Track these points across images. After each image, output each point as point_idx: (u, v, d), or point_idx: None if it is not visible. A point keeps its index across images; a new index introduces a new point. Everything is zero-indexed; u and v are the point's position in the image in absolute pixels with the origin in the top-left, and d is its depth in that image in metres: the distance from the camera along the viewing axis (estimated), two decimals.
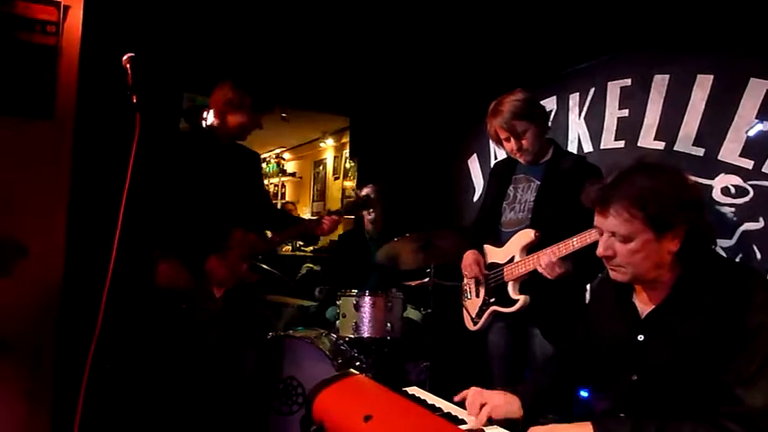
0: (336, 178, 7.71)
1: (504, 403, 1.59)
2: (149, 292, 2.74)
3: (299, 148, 8.68)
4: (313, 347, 3.01)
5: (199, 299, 2.72)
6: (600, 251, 1.51)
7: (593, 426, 1.38)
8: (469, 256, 2.67)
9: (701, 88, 2.87)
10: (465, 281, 2.79)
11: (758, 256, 2.62)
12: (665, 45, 3.08)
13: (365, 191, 3.86)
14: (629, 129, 3.24)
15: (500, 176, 2.71)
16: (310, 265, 5.71)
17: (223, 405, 2.83)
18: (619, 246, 1.46)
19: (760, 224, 2.62)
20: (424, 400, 1.61)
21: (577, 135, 3.58)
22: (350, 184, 7.07)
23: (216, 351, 2.78)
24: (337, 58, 4.43)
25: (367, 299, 3.21)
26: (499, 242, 2.60)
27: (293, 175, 9.00)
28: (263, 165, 8.75)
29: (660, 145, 3.05)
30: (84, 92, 2.95)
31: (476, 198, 4.37)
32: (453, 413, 1.53)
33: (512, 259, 2.50)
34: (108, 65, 2.73)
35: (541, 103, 2.82)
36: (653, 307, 1.52)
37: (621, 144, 3.29)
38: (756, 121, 2.63)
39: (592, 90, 3.49)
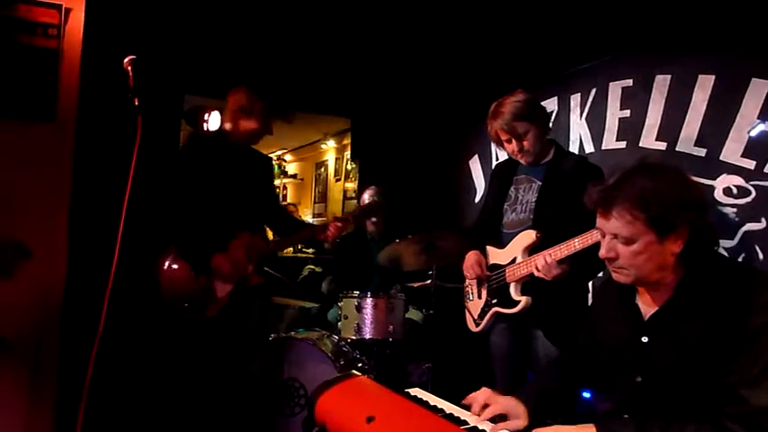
0: (338, 180, 7.71)
1: (513, 415, 1.56)
2: (151, 291, 2.75)
3: (300, 150, 8.67)
4: (315, 349, 3.01)
5: (201, 298, 2.72)
6: (602, 253, 1.50)
7: (597, 427, 1.37)
8: (471, 258, 2.67)
9: (703, 89, 2.87)
10: (467, 282, 2.78)
11: (760, 256, 2.62)
12: (667, 45, 3.08)
13: (367, 192, 3.86)
14: (630, 129, 3.24)
15: (501, 177, 2.71)
16: (312, 267, 5.71)
17: (225, 406, 2.83)
18: (621, 247, 1.45)
19: (762, 224, 2.62)
20: (426, 402, 1.61)
21: (579, 136, 3.57)
22: (351, 185, 7.07)
23: (218, 352, 2.79)
24: (338, 60, 4.43)
25: (369, 300, 3.21)
26: (501, 243, 2.60)
27: (294, 176, 9.00)
28: None
29: (662, 145, 3.05)
30: (85, 94, 2.96)
31: (477, 199, 4.37)
32: (456, 414, 1.53)
33: (514, 260, 2.50)
34: (109, 67, 2.74)
35: (543, 103, 2.82)
36: (656, 308, 1.51)
37: (623, 145, 3.29)
38: (758, 121, 2.63)
39: (593, 90, 3.49)
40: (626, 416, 1.51)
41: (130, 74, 2.13)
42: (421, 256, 3.19)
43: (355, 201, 5.77)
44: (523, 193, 2.57)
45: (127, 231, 2.07)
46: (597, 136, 3.45)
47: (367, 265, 3.75)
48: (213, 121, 5.01)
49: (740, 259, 2.65)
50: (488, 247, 2.68)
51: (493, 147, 4.19)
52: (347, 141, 6.78)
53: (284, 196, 9.16)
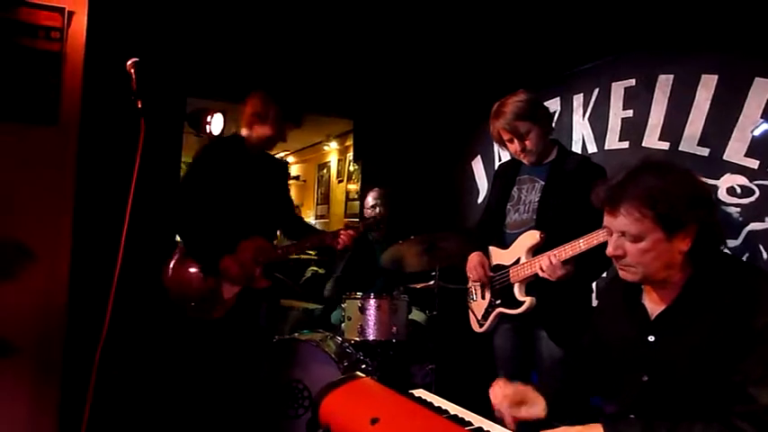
0: (340, 181, 7.72)
1: (527, 401, 1.58)
2: (156, 292, 2.77)
3: (302, 152, 8.69)
4: (319, 350, 3.01)
5: (208, 298, 2.74)
6: (610, 251, 1.50)
7: (604, 427, 1.37)
8: (474, 259, 2.66)
9: (706, 88, 2.86)
10: (470, 283, 2.78)
11: (764, 255, 2.61)
12: (669, 45, 3.08)
13: (371, 195, 3.85)
14: (633, 129, 3.24)
15: (504, 178, 2.70)
16: (315, 269, 5.71)
17: (229, 407, 2.83)
18: (629, 245, 1.45)
19: (766, 224, 2.61)
20: (431, 403, 1.61)
21: (581, 136, 3.57)
22: (354, 187, 7.07)
23: (224, 353, 2.80)
24: (341, 62, 4.43)
25: (372, 302, 3.21)
26: (504, 244, 2.59)
27: (297, 178, 9.01)
28: None
29: (665, 145, 3.05)
30: (88, 97, 2.96)
31: (480, 200, 4.36)
32: (460, 415, 1.52)
33: (517, 261, 2.49)
34: (112, 70, 2.75)
35: (545, 104, 2.82)
36: (663, 307, 1.50)
37: (626, 145, 3.28)
38: (762, 120, 2.62)
39: (596, 91, 3.49)
40: (632, 416, 1.50)
41: (133, 76, 2.14)
42: (423, 257, 3.19)
43: (358, 202, 5.77)
44: (526, 193, 2.56)
45: (130, 233, 2.07)
46: (600, 136, 3.45)
47: (371, 266, 3.75)
48: (216, 123, 5.04)
49: (744, 259, 2.65)
50: (492, 248, 2.67)
51: (495, 147, 4.19)
52: (350, 143, 6.79)
53: None
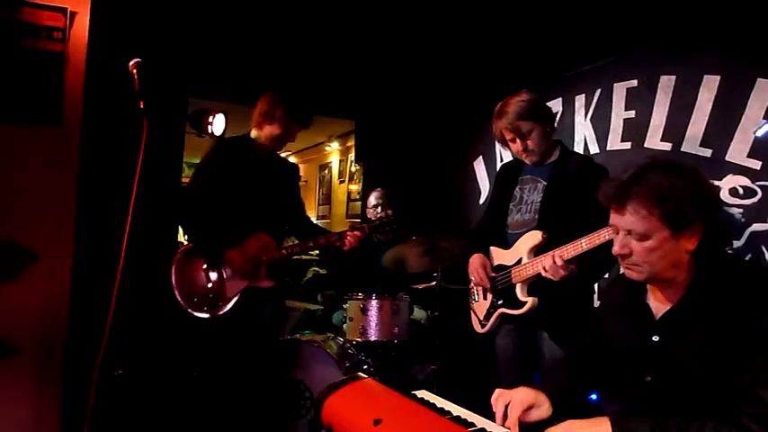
0: (342, 182, 7.72)
1: (536, 404, 1.57)
2: (158, 292, 2.78)
3: (304, 152, 8.69)
4: (320, 351, 3.01)
5: (212, 294, 2.76)
6: (616, 249, 1.49)
7: (611, 423, 1.36)
8: (475, 260, 2.65)
9: (708, 89, 2.86)
10: (472, 283, 2.78)
11: (767, 256, 2.61)
12: (672, 46, 3.07)
13: (373, 195, 3.85)
14: (635, 130, 3.24)
15: (506, 178, 2.70)
16: (316, 269, 5.71)
17: (231, 407, 2.84)
18: (635, 244, 1.44)
19: None
20: (433, 404, 1.60)
21: (583, 137, 3.57)
22: (355, 187, 7.07)
23: (226, 352, 2.80)
24: (342, 62, 4.44)
25: (374, 302, 3.21)
26: (506, 244, 2.59)
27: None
28: None
29: (667, 146, 3.05)
30: (90, 98, 2.96)
31: (482, 200, 4.36)
32: (463, 416, 1.52)
33: (519, 261, 2.49)
34: (114, 71, 2.75)
35: (547, 104, 2.81)
36: (668, 307, 1.50)
37: (628, 145, 3.28)
38: (764, 121, 2.62)
39: (598, 91, 3.49)
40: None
41: (136, 77, 2.14)
42: (425, 257, 3.19)
43: (359, 203, 5.77)
44: (528, 193, 2.56)
45: (132, 234, 2.07)
46: (602, 137, 3.45)
47: (372, 266, 3.75)
48: (217, 124, 5.04)
49: (747, 259, 2.64)
50: (493, 248, 2.67)
51: (497, 148, 4.19)
52: (351, 143, 6.79)
53: None
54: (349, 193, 7.38)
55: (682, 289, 1.47)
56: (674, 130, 3.01)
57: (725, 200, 2.73)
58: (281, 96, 2.85)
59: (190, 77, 3.90)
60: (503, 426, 1.52)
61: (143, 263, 2.92)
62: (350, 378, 1.67)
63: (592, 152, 3.47)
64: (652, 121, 3.13)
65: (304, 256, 5.89)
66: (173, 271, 2.79)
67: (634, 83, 3.27)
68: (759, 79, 2.64)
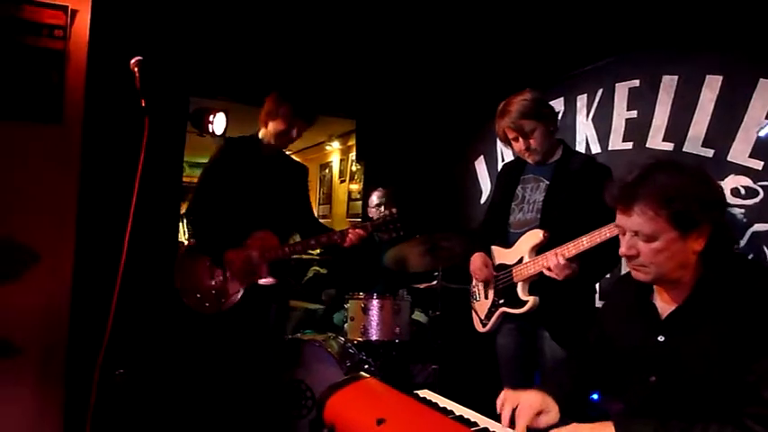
0: (342, 181, 7.71)
1: (546, 410, 1.55)
2: (161, 290, 2.79)
3: (304, 151, 8.68)
4: (321, 350, 3.01)
5: (214, 292, 2.76)
6: (623, 250, 1.48)
7: (615, 426, 1.36)
8: (478, 260, 2.65)
9: (710, 89, 2.86)
10: (473, 282, 2.78)
11: None
12: (674, 45, 3.07)
13: (375, 194, 3.84)
14: (637, 130, 3.23)
15: (508, 177, 2.70)
16: (317, 268, 5.71)
17: (232, 407, 2.83)
18: (642, 245, 1.43)
19: None
20: (436, 404, 1.60)
21: (585, 136, 3.56)
22: (356, 187, 7.07)
23: (228, 351, 2.81)
24: (343, 61, 4.43)
25: (375, 302, 3.21)
26: (507, 243, 2.59)
27: None
28: None
29: (669, 146, 3.04)
30: (91, 96, 2.96)
31: (483, 200, 4.36)
32: (465, 416, 1.52)
33: (521, 260, 2.48)
34: (115, 69, 2.75)
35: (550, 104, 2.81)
36: (674, 307, 1.49)
37: (630, 145, 3.28)
38: (766, 121, 2.62)
39: (600, 91, 3.48)
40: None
41: (137, 75, 2.13)
42: (426, 257, 3.18)
43: (360, 202, 5.77)
44: (531, 192, 2.56)
45: (134, 232, 2.07)
46: (604, 137, 3.44)
47: (374, 266, 3.74)
48: (218, 123, 5.03)
49: None
50: (494, 247, 2.66)
51: (498, 147, 4.19)
52: (352, 143, 6.78)
53: None
54: (350, 193, 7.37)
55: (688, 289, 1.46)
56: (676, 130, 3.01)
57: (726, 200, 2.73)
58: (285, 94, 2.87)
59: (191, 76, 3.89)
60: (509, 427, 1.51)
61: (144, 262, 2.91)
62: (352, 378, 1.66)
63: (593, 152, 3.47)
64: (654, 121, 3.13)
65: (305, 256, 5.88)
66: (176, 267, 2.81)
67: (636, 83, 3.26)
68: (761, 79, 2.64)
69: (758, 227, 2.64)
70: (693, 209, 1.37)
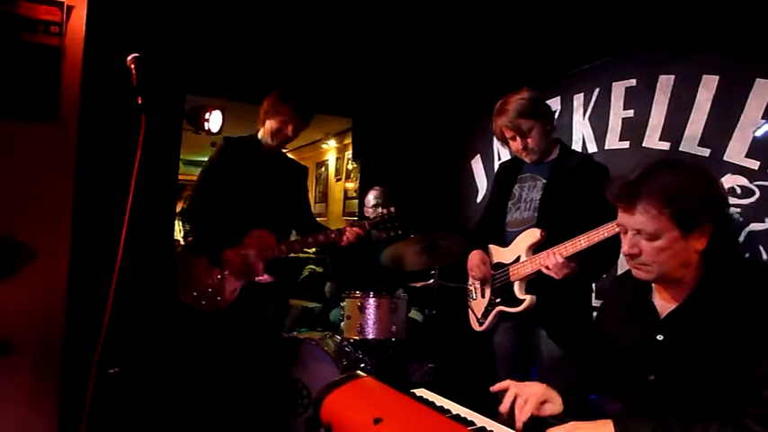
0: (338, 180, 7.70)
1: (549, 399, 1.56)
2: (157, 288, 2.79)
3: (300, 150, 8.67)
4: (318, 349, 3.01)
5: (211, 290, 2.76)
6: (625, 249, 1.48)
7: (614, 424, 1.35)
8: (475, 257, 2.66)
9: (707, 89, 2.86)
10: (470, 281, 2.78)
11: (764, 256, 2.61)
12: (671, 45, 3.08)
13: (372, 194, 3.84)
14: (633, 129, 3.24)
15: (505, 176, 2.70)
16: (313, 267, 5.70)
17: (228, 405, 2.83)
18: (645, 244, 1.43)
19: (766, 224, 2.61)
20: (433, 402, 1.60)
21: (582, 136, 3.57)
22: (352, 185, 7.06)
23: (224, 349, 2.81)
24: (340, 59, 4.42)
25: (371, 301, 3.20)
26: (504, 242, 2.59)
27: None
28: None
29: (665, 145, 3.05)
30: (87, 93, 2.94)
31: (479, 199, 4.36)
32: (463, 415, 1.52)
33: (518, 259, 2.49)
34: (111, 65, 2.74)
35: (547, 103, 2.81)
36: (674, 306, 1.49)
37: (626, 145, 3.28)
38: (763, 121, 2.63)
39: (596, 90, 3.49)
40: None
41: (134, 72, 2.12)
42: (423, 256, 3.18)
43: (356, 201, 5.76)
44: (528, 191, 2.56)
45: (130, 230, 2.06)
46: (600, 136, 3.44)
47: (372, 264, 3.74)
48: (214, 121, 5.01)
49: None
50: (492, 246, 2.67)
51: (495, 146, 4.19)
52: (348, 141, 6.78)
53: None
54: (346, 191, 7.37)
55: (689, 288, 1.46)
56: (673, 129, 3.01)
57: None
58: (285, 93, 2.88)
59: (187, 73, 3.88)
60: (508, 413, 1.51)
61: (140, 259, 2.90)
62: (349, 376, 1.66)
63: (590, 151, 3.47)
64: (650, 120, 3.14)
65: (301, 254, 5.88)
66: (175, 261, 2.82)
67: (633, 82, 3.27)
68: (758, 79, 2.65)
69: (754, 226, 2.65)
70: (696, 208, 1.37)
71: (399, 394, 1.55)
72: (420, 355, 3.44)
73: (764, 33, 2.63)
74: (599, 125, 3.46)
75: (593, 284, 2.73)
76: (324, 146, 8.06)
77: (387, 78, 4.62)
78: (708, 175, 1.44)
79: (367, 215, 3.82)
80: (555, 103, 3.72)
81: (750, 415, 1.28)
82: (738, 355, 1.33)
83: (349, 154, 7.02)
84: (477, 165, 4.41)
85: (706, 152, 2.85)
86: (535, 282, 2.44)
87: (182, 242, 4.65)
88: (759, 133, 2.64)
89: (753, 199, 2.66)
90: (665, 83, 3.07)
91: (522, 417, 1.50)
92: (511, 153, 2.67)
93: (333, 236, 2.88)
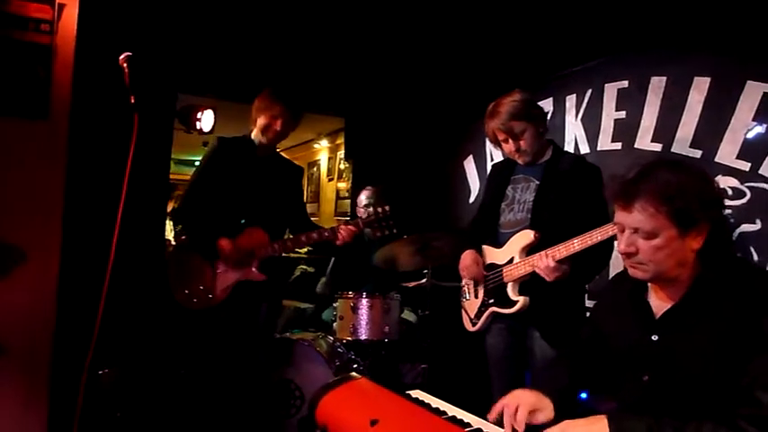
0: (330, 179, 7.70)
1: (541, 407, 1.55)
2: (148, 288, 2.77)
3: (292, 149, 8.65)
4: (311, 350, 3.00)
5: (202, 287, 2.76)
6: (622, 248, 1.48)
7: (608, 421, 1.36)
8: (468, 257, 2.65)
9: (698, 90, 2.88)
10: (464, 281, 2.78)
11: (755, 257, 2.63)
12: (662, 47, 3.09)
13: (364, 194, 3.83)
14: (625, 130, 3.25)
15: (498, 177, 2.70)
16: (304, 267, 5.68)
17: (220, 405, 2.82)
18: (642, 242, 1.43)
19: (757, 226, 2.63)
20: (428, 404, 1.60)
21: (574, 137, 3.58)
22: (344, 185, 7.06)
23: (216, 348, 2.80)
24: (332, 59, 4.42)
25: (364, 301, 3.20)
26: (498, 243, 2.59)
27: None
28: None
29: (657, 147, 3.06)
30: (79, 91, 2.92)
31: (472, 199, 4.37)
32: (458, 416, 1.52)
33: (511, 260, 2.49)
34: (103, 64, 2.72)
35: (539, 104, 2.81)
36: (669, 306, 1.50)
37: (618, 146, 3.30)
38: (754, 123, 2.65)
39: (589, 92, 3.50)
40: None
41: (126, 71, 2.11)
42: (416, 256, 3.18)
43: (348, 200, 5.76)
44: (521, 192, 2.56)
45: (121, 230, 2.05)
46: (592, 137, 3.46)
47: (365, 265, 3.73)
48: (206, 120, 4.99)
49: None
50: (485, 247, 2.67)
51: (487, 147, 4.20)
52: (340, 141, 6.77)
53: None
54: (338, 191, 7.36)
55: (684, 288, 1.47)
56: (665, 131, 3.03)
57: None
58: (274, 89, 2.88)
59: (179, 72, 3.86)
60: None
61: (131, 259, 2.88)
62: (344, 378, 1.66)
63: (582, 152, 3.49)
64: (642, 121, 3.15)
65: (292, 254, 5.86)
66: (167, 259, 2.81)
67: (625, 83, 3.29)
68: (749, 81, 2.67)
69: (745, 227, 2.67)
70: (693, 207, 1.38)
71: (395, 396, 1.55)
72: (413, 356, 3.44)
73: (755, 36, 2.66)
74: (591, 126, 3.47)
75: (587, 286, 2.74)
76: (316, 146, 8.05)
77: (379, 78, 4.62)
78: (705, 175, 1.45)
79: (359, 215, 3.81)
80: (547, 105, 3.73)
81: (743, 416, 1.28)
82: (732, 356, 1.34)
83: (341, 154, 7.02)
84: (470, 165, 4.42)
85: (697, 154, 2.87)
86: (528, 283, 2.44)
87: (173, 242, 4.62)
88: (750, 135, 2.66)
89: (744, 200, 2.68)
90: (657, 84, 3.09)
91: (517, 424, 1.49)
92: (503, 154, 2.67)
93: (326, 234, 2.87)
